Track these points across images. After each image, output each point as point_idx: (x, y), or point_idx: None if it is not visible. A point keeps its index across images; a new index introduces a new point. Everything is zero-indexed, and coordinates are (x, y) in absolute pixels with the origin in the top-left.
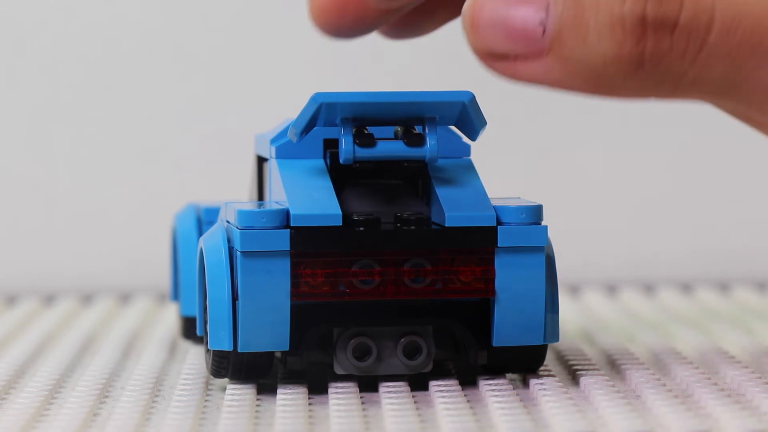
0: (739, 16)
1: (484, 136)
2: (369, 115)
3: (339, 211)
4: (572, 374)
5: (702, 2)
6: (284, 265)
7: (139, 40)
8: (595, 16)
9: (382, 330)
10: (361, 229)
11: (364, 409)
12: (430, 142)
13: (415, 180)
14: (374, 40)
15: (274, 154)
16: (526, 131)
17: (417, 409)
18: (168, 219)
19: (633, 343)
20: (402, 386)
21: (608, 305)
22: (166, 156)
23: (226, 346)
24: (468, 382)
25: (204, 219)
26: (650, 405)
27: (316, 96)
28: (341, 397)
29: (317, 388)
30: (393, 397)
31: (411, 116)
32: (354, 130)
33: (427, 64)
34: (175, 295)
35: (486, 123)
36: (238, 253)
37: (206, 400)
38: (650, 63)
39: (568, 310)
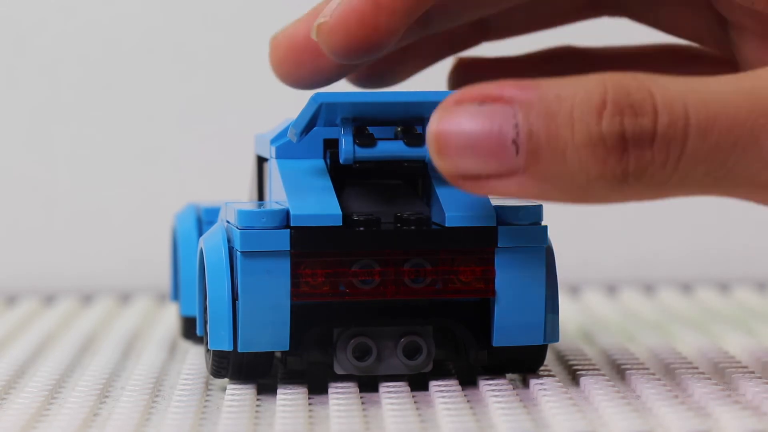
0: (713, 116)
1: None
2: (369, 115)
3: (339, 211)
4: (572, 374)
5: (675, 107)
6: (284, 265)
7: (139, 40)
8: (571, 134)
9: (382, 330)
10: (361, 229)
11: (364, 409)
12: None
13: (415, 180)
14: None
15: (274, 154)
16: None
17: (417, 409)
18: (168, 219)
19: (633, 343)
20: (402, 386)
21: (608, 305)
22: (166, 156)
23: (226, 346)
24: (468, 382)
25: (204, 219)
26: (650, 405)
27: (316, 96)
28: (341, 397)
29: (317, 388)
30: (393, 397)
31: (411, 116)
32: (354, 130)
33: None
34: (175, 295)
35: None
36: (238, 253)
37: (206, 400)
38: (634, 176)
39: (568, 310)
